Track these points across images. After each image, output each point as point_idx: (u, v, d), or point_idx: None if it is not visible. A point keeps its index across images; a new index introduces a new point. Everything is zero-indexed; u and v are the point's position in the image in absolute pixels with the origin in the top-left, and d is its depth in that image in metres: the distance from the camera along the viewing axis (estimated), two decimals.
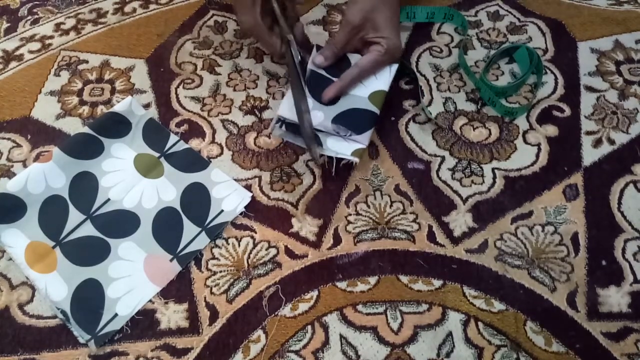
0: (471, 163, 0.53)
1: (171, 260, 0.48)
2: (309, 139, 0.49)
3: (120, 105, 0.56)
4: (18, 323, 0.45)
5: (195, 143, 0.56)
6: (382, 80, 0.54)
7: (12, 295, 0.47)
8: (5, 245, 0.48)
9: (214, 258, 0.48)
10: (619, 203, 0.50)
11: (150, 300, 0.46)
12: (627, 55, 0.61)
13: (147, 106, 0.59)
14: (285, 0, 0.53)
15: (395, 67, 0.55)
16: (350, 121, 0.51)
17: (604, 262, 0.47)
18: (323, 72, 0.55)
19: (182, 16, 0.68)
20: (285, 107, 0.51)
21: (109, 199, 0.51)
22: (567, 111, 0.57)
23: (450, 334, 0.44)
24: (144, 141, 0.56)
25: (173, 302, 0.46)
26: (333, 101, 0.53)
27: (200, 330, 0.45)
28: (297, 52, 0.53)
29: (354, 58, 0.55)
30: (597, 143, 0.54)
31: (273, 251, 0.49)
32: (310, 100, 0.53)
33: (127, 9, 0.69)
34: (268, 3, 0.52)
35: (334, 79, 0.54)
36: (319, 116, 0.52)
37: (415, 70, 0.60)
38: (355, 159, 0.49)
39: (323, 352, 0.43)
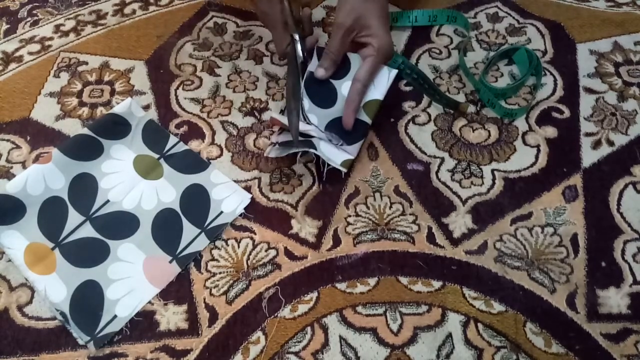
0: (470, 164, 0.53)
1: (171, 261, 0.48)
2: (295, 130, 0.49)
3: (120, 107, 0.56)
4: (17, 325, 0.45)
5: (194, 144, 0.56)
6: (379, 89, 0.53)
7: (12, 297, 0.47)
8: (4, 247, 0.48)
9: (213, 259, 0.48)
10: (618, 204, 0.50)
11: (149, 302, 0.46)
12: (626, 57, 0.61)
13: (146, 107, 0.59)
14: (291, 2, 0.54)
15: (394, 73, 0.54)
16: (343, 130, 0.52)
17: (603, 264, 0.47)
18: None
19: (181, 18, 0.68)
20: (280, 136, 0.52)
21: (108, 201, 0.51)
22: (567, 113, 0.57)
23: (450, 335, 0.44)
24: (144, 142, 0.56)
25: (172, 303, 0.46)
26: (328, 104, 0.53)
27: (200, 332, 0.45)
28: (300, 51, 0.54)
29: (353, 58, 0.54)
30: (596, 144, 0.54)
31: (272, 252, 0.49)
32: (307, 102, 0.53)
33: (127, 10, 0.70)
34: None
35: (333, 81, 0.54)
36: (313, 119, 0.53)
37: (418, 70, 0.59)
38: (344, 169, 0.50)
39: (323, 354, 0.43)
